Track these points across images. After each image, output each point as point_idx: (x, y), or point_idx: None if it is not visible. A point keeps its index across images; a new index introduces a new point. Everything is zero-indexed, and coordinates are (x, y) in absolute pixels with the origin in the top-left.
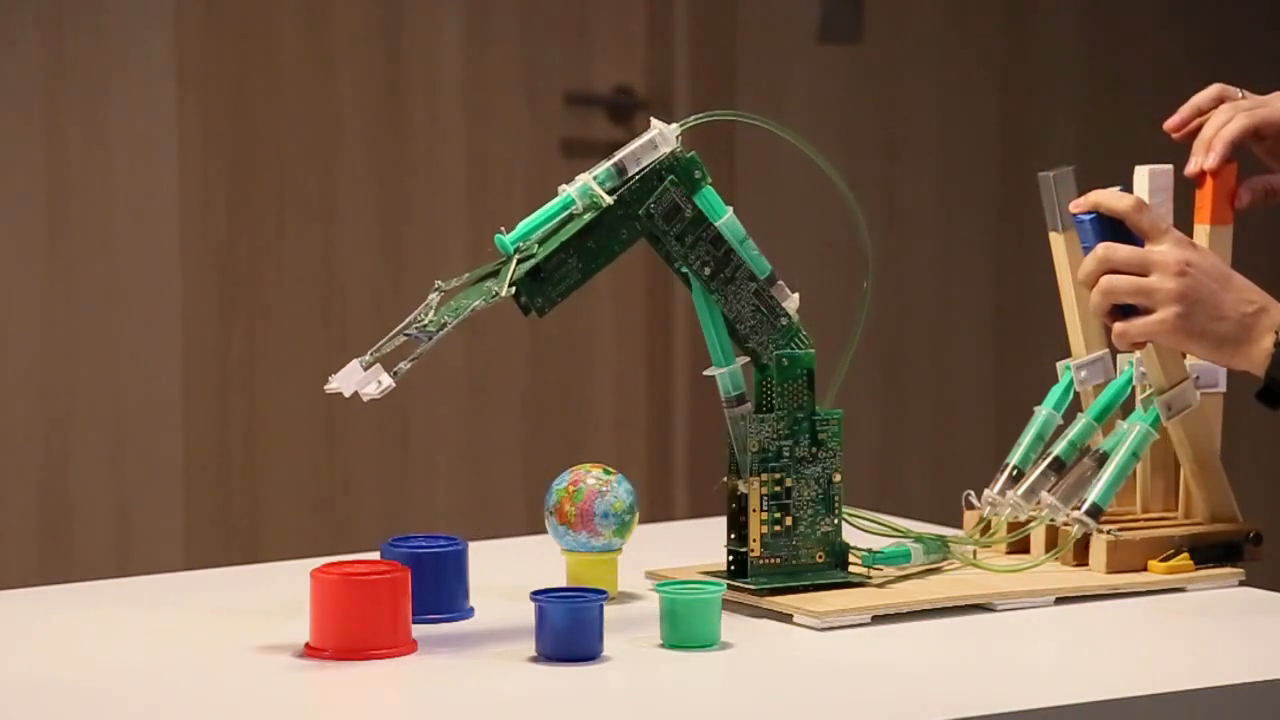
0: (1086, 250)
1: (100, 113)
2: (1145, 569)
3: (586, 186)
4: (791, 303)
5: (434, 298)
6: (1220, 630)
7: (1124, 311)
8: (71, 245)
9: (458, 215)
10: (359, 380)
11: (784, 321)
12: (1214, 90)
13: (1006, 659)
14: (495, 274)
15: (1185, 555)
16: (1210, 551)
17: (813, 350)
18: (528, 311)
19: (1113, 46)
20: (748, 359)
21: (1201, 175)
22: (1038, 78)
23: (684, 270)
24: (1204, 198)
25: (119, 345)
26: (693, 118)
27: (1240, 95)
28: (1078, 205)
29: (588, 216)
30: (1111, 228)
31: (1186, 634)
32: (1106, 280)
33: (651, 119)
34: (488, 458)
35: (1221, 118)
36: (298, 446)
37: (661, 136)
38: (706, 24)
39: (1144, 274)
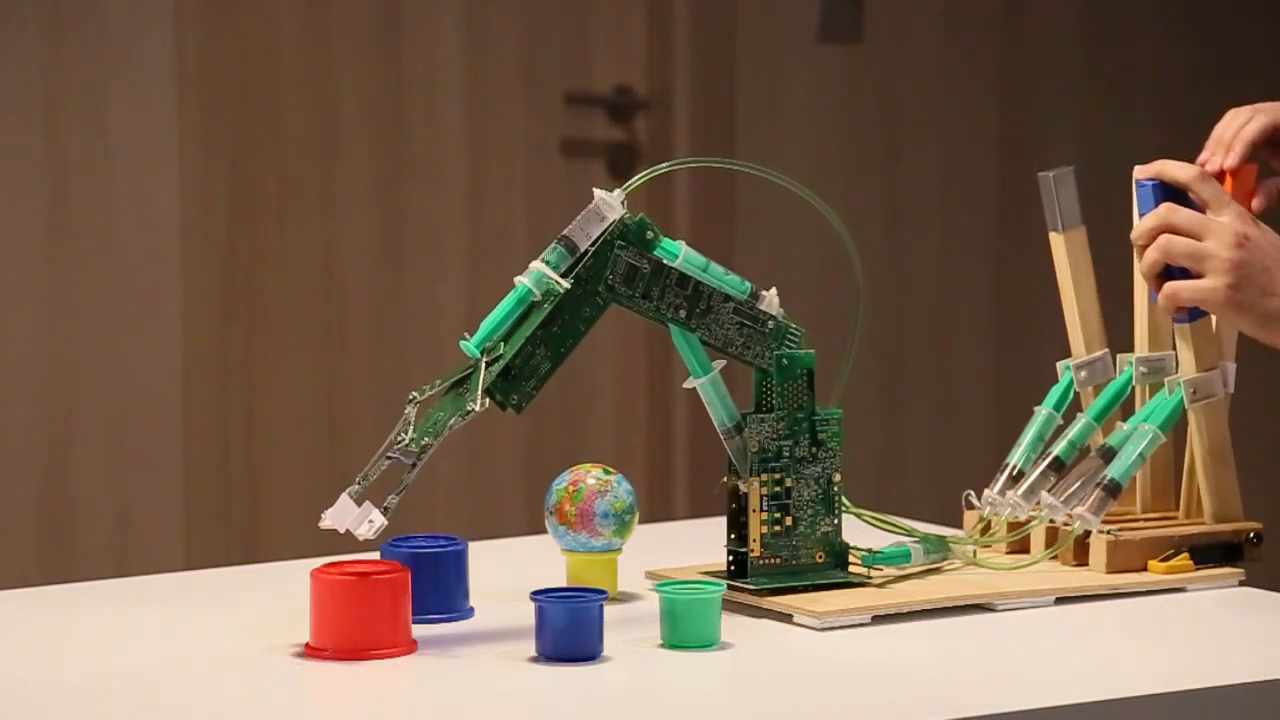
0: (1142, 216)
1: (100, 113)
2: (1145, 569)
3: (540, 274)
4: (771, 302)
5: (410, 411)
6: (1220, 630)
7: (1171, 276)
8: (71, 245)
9: (458, 215)
10: (353, 519)
11: (771, 325)
12: (1229, 115)
13: (1006, 659)
14: (467, 379)
15: (1185, 555)
16: (1210, 551)
17: (812, 350)
18: (504, 408)
19: (1112, 47)
20: (725, 363)
21: (1220, 175)
22: (1038, 78)
23: (658, 318)
24: None
25: (119, 345)
26: (636, 178)
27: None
28: (1142, 171)
29: (548, 305)
30: (1171, 198)
31: (1186, 634)
32: (1166, 239)
33: (594, 190)
34: (488, 458)
35: (1241, 118)
36: (298, 446)
37: (606, 205)
38: (706, 24)
39: (1201, 239)
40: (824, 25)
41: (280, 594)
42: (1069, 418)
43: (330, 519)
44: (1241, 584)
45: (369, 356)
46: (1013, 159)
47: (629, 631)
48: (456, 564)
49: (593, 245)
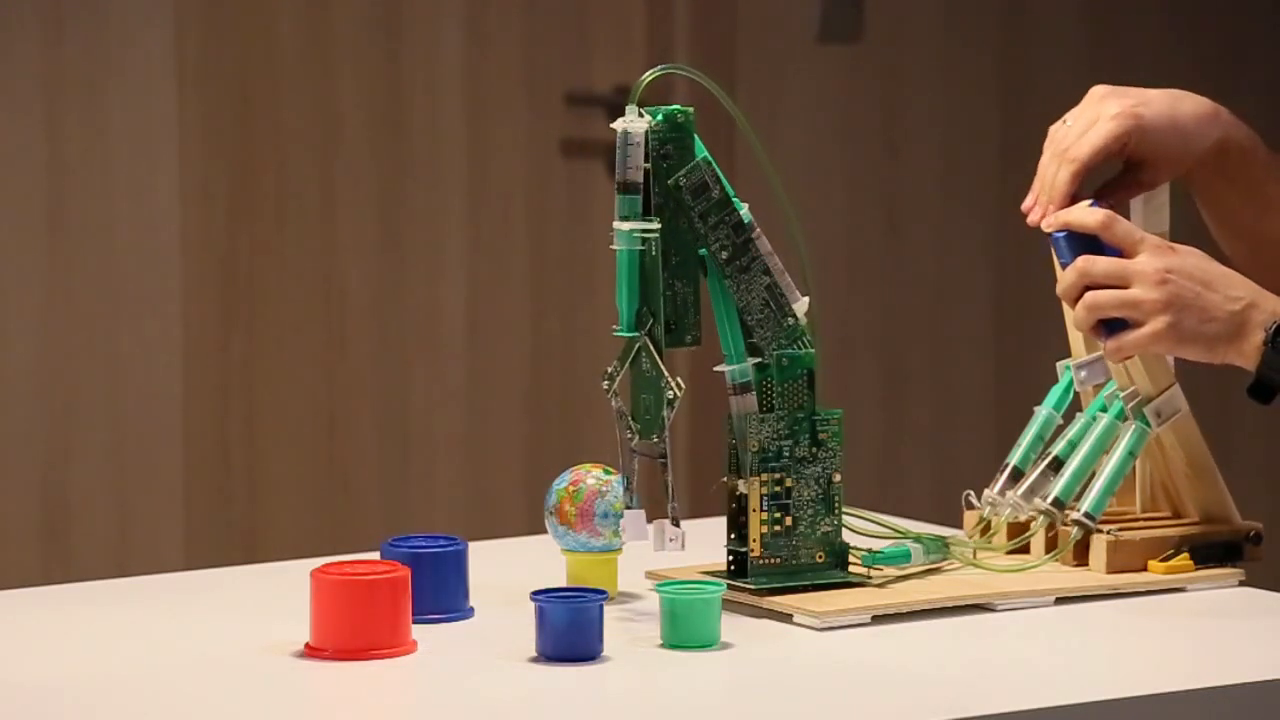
0: (1064, 266)
1: (100, 113)
2: (1145, 569)
3: (629, 232)
4: (800, 305)
5: (617, 402)
6: (1220, 630)
7: (1108, 324)
8: (71, 245)
9: (458, 215)
10: (655, 539)
11: (790, 321)
12: (1049, 153)
13: (1006, 659)
14: (639, 356)
15: (1185, 555)
16: (1210, 551)
17: (813, 350)
18: (681, 345)
19: (1113, 46)
20: (757, 360)
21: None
22: (1038, 78)
23: (702, 252)
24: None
25: (119, 345)
26: (640, 80)
27: (1064, 122)
28: (1049, 224)
29: (655, 250)
30: (1085, 241)
31: (1186, 634)
32: (1090, 296)
33: (612, 125)
34: (488, 458)
35: (1051, 169)
36: (298, 446)
37: (631, 126)
38: (706, 24)
39: (1125, 286)
40: (824, 25)
41: (280, 594)
42: (1069, 418)
43: (631, 537)
44: (1241, 584)
45: (369, 357)
46: (1013, 159)
47: (629, 631)
48: (456, 564)
49: (646, 165)
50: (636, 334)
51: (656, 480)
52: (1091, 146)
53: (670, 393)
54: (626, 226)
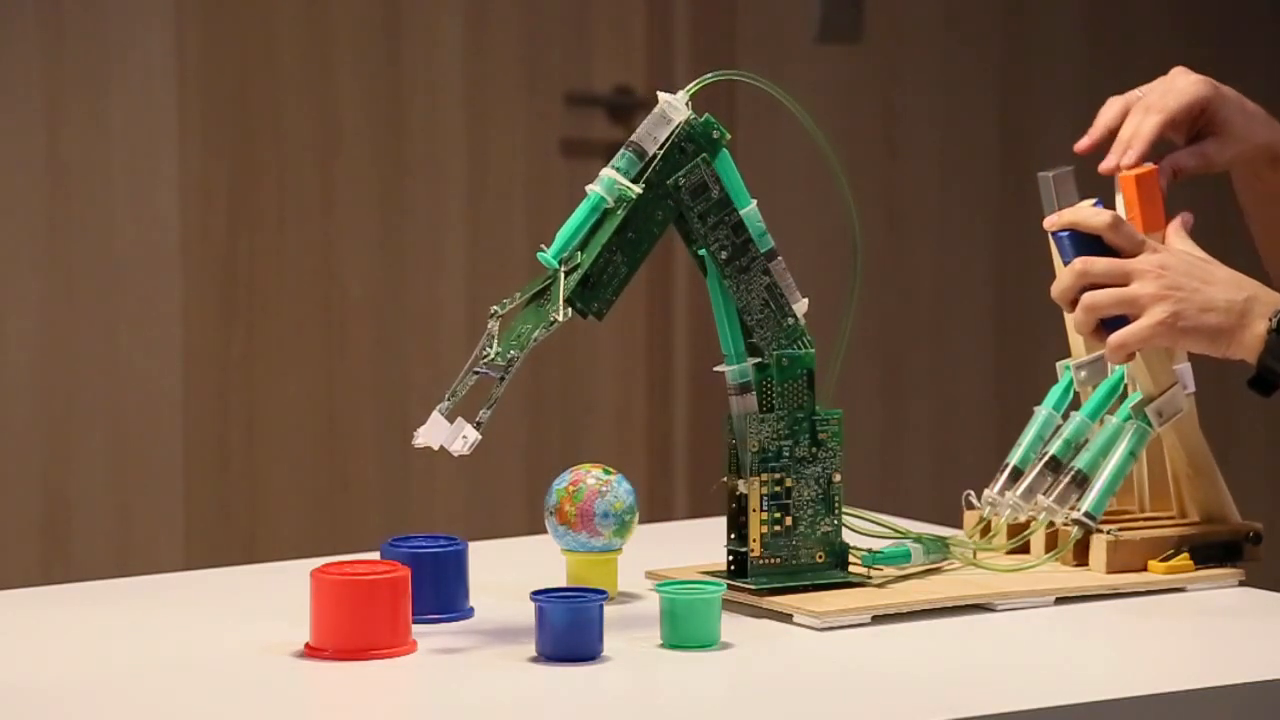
0: (1067, 265)
1: (100, 113)
2: (1145, 569)
3: (611, 181)
4: (800, 305)
5: (494, 325)
6: (1220, 630)
7: (1108, 324)
8: (71, 245)
9: (458, 215)
10: (447, 435)
11: (790, 321)
12: (1119, 106)
13: (1006, 659)
14: (547, 290)
15: (1185, 555)
16: (1210, 551)
17: (813, 350)
18: (585, 316)
19: (1113, 46)
20: (757, 360)
21: (1118, 175)
22: (1038, 78)
23: (701, 252)
24: (1131, 207)
25: (119, 345)
26: (697, 81)
27: (1139, 94)
28: (1052, 223)
29: (621, 211)
30: (1089, 242)
31: (1186, 634)
32: (1089, 296)
33: (658, 93)
34: (488, 458)
35: (1136, 119)
36: (298, 446)
37: (671, 107)
38: (706, 24)
39: (1124, 284)
40: (824, 25)
41: (280, 594)
42: (1069, 418)
43: (423, 436)
44: (1241, 584)
45: (369, 356)
46: (1013, 159)
47: (629, 631)
48: (456, 564)
49: (660, 148)
50: (556, 266)
51: (655, 479)
52: (1178, 100)
53: (554, 316)
54: (610, 175)
